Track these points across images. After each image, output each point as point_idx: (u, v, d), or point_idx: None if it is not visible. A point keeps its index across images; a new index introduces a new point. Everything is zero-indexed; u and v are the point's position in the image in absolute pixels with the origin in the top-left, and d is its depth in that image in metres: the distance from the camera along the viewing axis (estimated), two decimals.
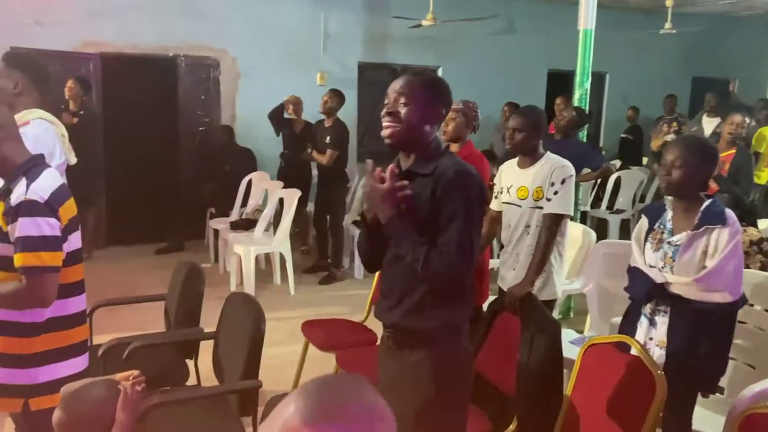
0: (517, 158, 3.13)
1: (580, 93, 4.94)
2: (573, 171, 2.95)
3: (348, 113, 7.15)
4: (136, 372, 1.57)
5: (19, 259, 1.82)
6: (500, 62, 8.23)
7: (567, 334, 3.27)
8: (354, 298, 4.79)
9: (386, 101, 1.82)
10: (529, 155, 3.02)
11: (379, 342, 2.07)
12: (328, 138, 5.49)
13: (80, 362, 2.07)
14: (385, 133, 1.81)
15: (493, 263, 3.66)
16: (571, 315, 4.79)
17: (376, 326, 3.41)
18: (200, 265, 5.82)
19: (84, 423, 1.47)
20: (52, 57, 5.85)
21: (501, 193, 3.13)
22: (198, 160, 6.85)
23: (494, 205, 3.18)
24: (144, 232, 6.61)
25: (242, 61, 7.11)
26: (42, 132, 2.54)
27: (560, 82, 8.30)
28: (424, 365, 1.78)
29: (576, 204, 4.93)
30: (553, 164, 2.95)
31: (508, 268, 3.10)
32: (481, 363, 2.76)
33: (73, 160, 2.85)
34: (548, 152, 3.05)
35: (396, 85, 1.81)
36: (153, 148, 7.29)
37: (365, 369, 2.91)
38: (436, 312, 1.77)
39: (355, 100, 7.70)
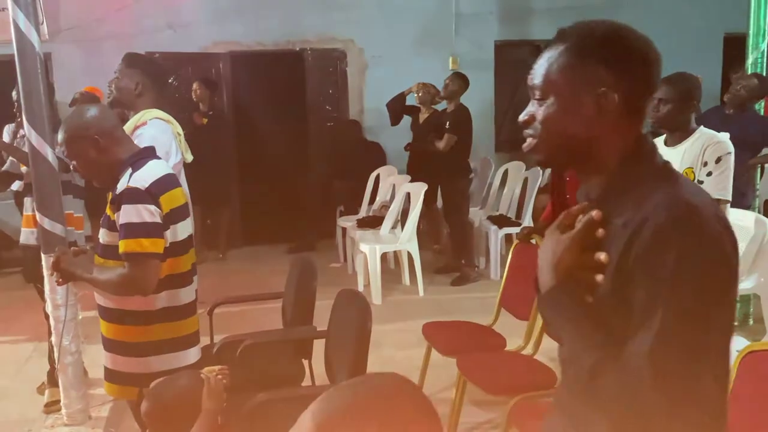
0: (664, 135, 2.93)
1: (755, 56, 4.49)
2: (731, 148, 2.71)
3: (484, 98, 7.13)
4: (223, 366, 1.70)
5: (122, 246, 2.04)
6: (668, 28, 7.65)
7: (736, 342, 3.00)
8: (487, 301, 4.72)
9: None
10: (677, 131, 2.82)
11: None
12: (447, 123, 5.49)
13: (192, 354, 2.27)
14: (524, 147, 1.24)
15: None
16: (751, 322, 4.37)
17: (505, 330, 3.40)
18: (330, 264, 6.26)
19: (169, 412, 1.64)
20: (183, 59, 6.47)
21: None
22: (327, 157, 7.18)
23: None
24: (277, 232, 7.08)
25: (369, 50, 7.33)
26: (159, 132, 2.83)
27: (740, 48, 7.58)
28: None
29: (754, 190, 4.50)
30: (706, 140, 2.73)
31: None
32: None
33: (189, 158, 3.14)
34: (701, 127, 2.82)
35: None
36: (283, 146, 7.77)
37: (488, 375, 2.90)
38: None
39: (492, 84, 7.63)
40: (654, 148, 1.21)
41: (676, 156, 2.80)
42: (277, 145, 7.77)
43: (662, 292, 1.00)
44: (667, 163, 1.21)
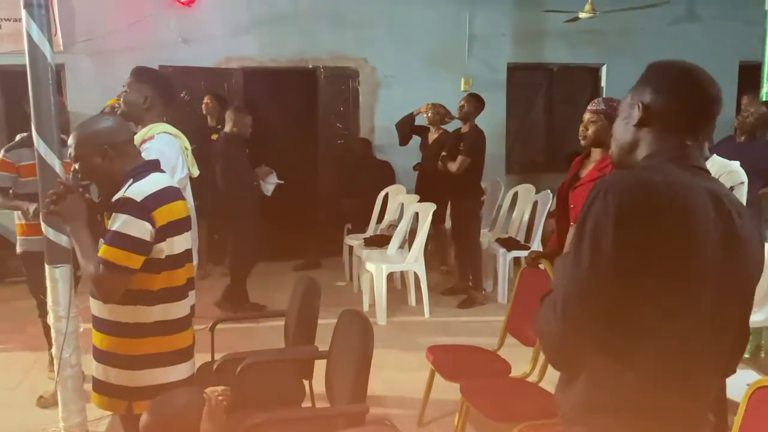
0: None
1: None
2: (744, 177, 2.69)
3: (495, 119, 7.13)
4: (226, 387, 1.68)
5: (101, 249, 2.07)
6: (680, 56, 7.66)
7: (746, 376, 2.95)
8: (494, 325, 4.68)
9: None
10: None
11: None
12: (461, 144, 5.50)
13: (184, 369, 2.25)
14: None
15: None
16: (762, 354, 4.30)
17: (510, 355, 3.36)
18: (336, 282, 6.23)
19: (168, 428, 1.62)
20: (196, 73, 6.51)
21: None
22: (336, 174, 7.19)
23: None
24: (283, 248, 7.05)
25: (382, 70, 7.38)
26: (165, 146, 2.83)
27: (755, 77, 7.57)
28: None
29: (764, 220, 4.46)
30: (719, 169, 2.71)
31: None
32: None
33: (196, 172, 3.14)
34: (714, 156, 2.80)
35: None
36: (292, 162, 7.77)
37: (492, 401, 2.86)
38: None
39: (504, 105, 7.65)
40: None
41: None
42: (286, 162, 7.77)
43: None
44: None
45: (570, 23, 6.87)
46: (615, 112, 3.12)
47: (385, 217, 6.33)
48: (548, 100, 8.13)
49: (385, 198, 6.48)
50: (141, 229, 2.05)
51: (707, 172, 1.46)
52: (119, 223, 2.04)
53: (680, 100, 1.48)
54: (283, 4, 7.07)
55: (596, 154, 3.14)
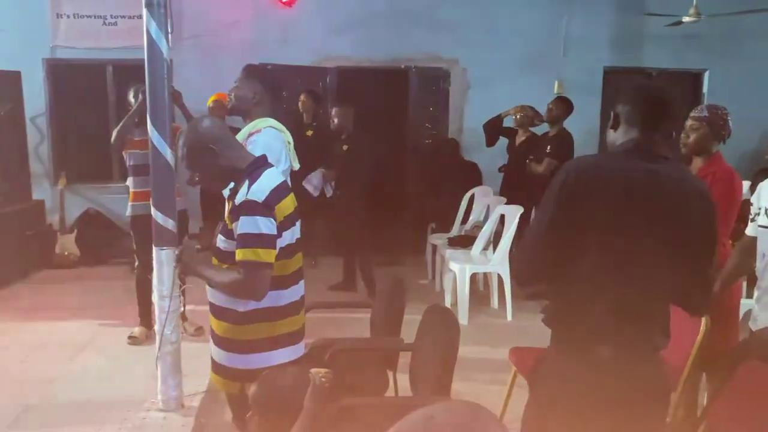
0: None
1: None
2: None
3: (588, 124, 7.01)
4: (328, 370, 1.80)
5: (238, 254, 2.19)
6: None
7: None
8: None
9: None
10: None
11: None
12: (548, 147, 5.45)
13: (295, 351, 2.40)
14: None
15: (747, 303, 3.29)
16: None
17: None
18: (418, 281, 6.31)
19: (275, 401, 1.75)
20: (293, 71, 6.76)
21: (758, 215, 2.83)
22: (423, 173, 7.27)
23: (750, 230, 2.89)
24: (367, 244, 7.18)
25: (473, 71, 7.40)
26: (271, 139, 3.00)
27: None
28: None
29: None
30: None
31: (763, 308, 2.78)
32: (719, 417, 2.55)
33: (297, 166, 3.30)
34: None
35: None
36: (380, 161, 7.92)
37: None
38: None
39: (598, 110, 7.50)
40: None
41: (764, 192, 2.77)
42: (374, 159, 7.93)
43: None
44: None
45: (671, 27, 6.66)
46: (719, 119, 3.08)
47: (470, 217, 6.35)
48: None
49: (471, 199, 6.50)
50: (270, 226, 2.20)
51: (665, 158, 1.87)
52: (251, 224, 2.18)
53: (635, 105, 1.92)
54: (379, 5, 7.22)
55: (698, 161, 3.07)
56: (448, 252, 5.72)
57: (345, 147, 5.70)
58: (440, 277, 6.07)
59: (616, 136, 1.95)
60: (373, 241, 5.93)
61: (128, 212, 4.62)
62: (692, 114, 3.10)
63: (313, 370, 1.80)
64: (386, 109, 7.79)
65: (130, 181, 4.61)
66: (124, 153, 4.58)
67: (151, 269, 3.71)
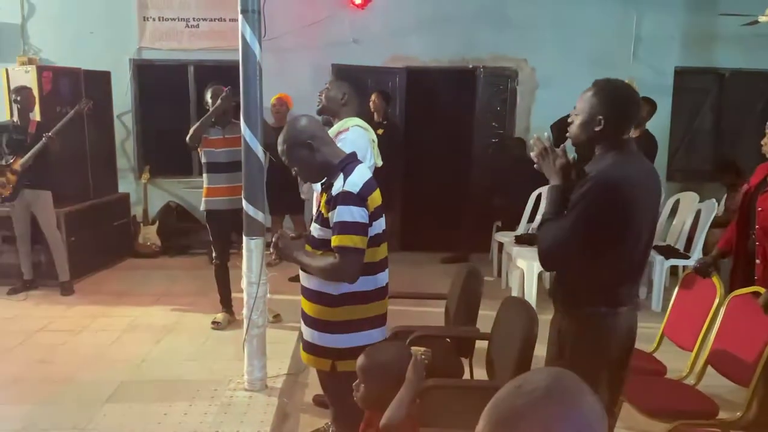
0: None
1: None
2: None
3: (659, 124, 6.96)
4: (427, 349, 1.99)
5: (335, 240, 2.40)
6: None
7: None
8: (646, 332, 4.61)
9: None
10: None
11: None
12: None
13: (379, 333, 2.60)
14: None
15: None
16: None
17: (665, 357, 3.40)
18: (484, 278, 6.40)
19: (379, 371, 1.95)
20: (364, 72, 6.97)
21: None
22: (489, 171, 7.38)
23: None
24: (433, 240, 7.37)
25: (541, 71, 7.45)
26: (358, 137, 3.21)
27: None
28: None
29: None
30: None
31: None
32: None
33: (379, 163, 3.50)
34: None
35: None
36: (447, 159, 8.09)
37: (647, 398, 2.95)
38: None
39: (669, 111, 7.45)
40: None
41: None
42: (441, 157, 8.11)
43: (575, 204, 2.20)
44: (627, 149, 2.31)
45: (747, 27, 6.56)
46: None
47: (537, 216, 6.42)
48: (717, 107, 7.79)
49: (538, 198, 6.57)
50: (364, 215, 2.40)
51: (640, 153, 2.32)
52: (348, 213, 2.38)
53: (626, 111, 2.28)
54: (448, 6, 7.35)
55: None
56: (515, 249, 5.82)
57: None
58: (506, 274, 6.17)
59: (599, 136, 2.26)
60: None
61: (202, 207, 4.89)
62: None
63: (413, 348, 1.98)
64: (454, 108, 7.94)
65: (204, 178, 4.85)
66: (199, 151, 4.83)
67: (227, 259, 4.00)
